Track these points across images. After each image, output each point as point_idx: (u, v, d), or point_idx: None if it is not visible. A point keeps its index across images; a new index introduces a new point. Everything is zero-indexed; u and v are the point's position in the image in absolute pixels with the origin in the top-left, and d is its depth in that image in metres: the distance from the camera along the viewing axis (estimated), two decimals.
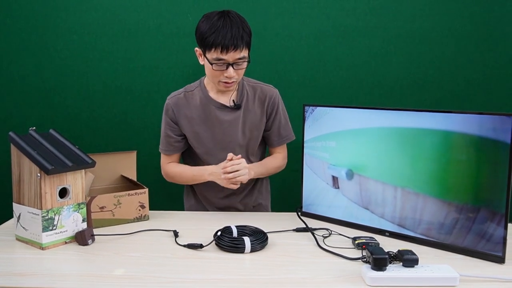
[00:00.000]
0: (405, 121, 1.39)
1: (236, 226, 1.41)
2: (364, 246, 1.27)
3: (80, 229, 1.37)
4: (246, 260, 1.27)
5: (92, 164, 1.39)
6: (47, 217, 1.31)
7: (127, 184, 1.70)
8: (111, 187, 1.68)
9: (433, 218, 1.35)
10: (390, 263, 1.16)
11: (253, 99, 1.69)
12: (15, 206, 1.39)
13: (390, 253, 1.17)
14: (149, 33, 2.09)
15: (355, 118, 1.49)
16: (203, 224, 1.56)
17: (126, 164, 1.70)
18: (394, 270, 1.12)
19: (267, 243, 1.35)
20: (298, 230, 1.50)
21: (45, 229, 1.31)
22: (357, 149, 1.49)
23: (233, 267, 1.21)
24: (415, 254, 1.15)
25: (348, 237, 1.42)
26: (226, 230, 1.39)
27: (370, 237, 1.38)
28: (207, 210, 1.79)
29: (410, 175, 1.38)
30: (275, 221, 1.60)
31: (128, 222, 1.54)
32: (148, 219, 1.59)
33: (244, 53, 1.54)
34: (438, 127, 1.33)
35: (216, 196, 1.75)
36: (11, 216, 1.48)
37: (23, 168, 1.35)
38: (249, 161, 1.74)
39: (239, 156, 1.55)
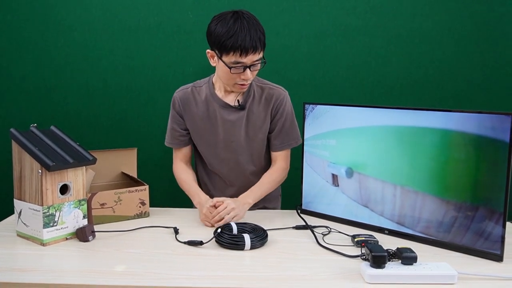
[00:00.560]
0: (405, 119, 1.39)
1: (236, 223, 1.42)
2: (363, 244, 1.28)
3: (81, 226, 1.38)
4: (246, 257, 1.27)
5: (93, 160, 1.40)
6: (48, 214, 1.32)
7: (128, 181, 1.70)
8: (111, 184, 1.68)
9: (432, 216, 1.36)
10: (389, 260, 1.16)
11: (259, 100, 1.66)
12: (16, 202, 1.39)
13: (389, 251, 1.18)
14: (150, 31, 2.09)
15: (355, 117, 1.50)
16: None
17: (127, 161, 1.70)
18: (393, 268, 1.13)
19: (267, 240, 1.36)
20: (297, 227, 1.50)
21: (46, 225, 1.32)
22: (357, 147, 1.50)
23: (233, 264, 1.22)
24: (413, 252, 1.16)
25: (348, 235, 1.42)
26: (226, 227, 1.40)
27: (369, 235, 1.39)
28: None
29: (410, 173, 1.39)
30: (275, 218, 1.60)
31: (129, 219, 1.55)
32: (148, 216, 1.59)
33: (261, 54, 1.52)
34: (437, 125, 1.33)
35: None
36: (12, 212, 1.48)
37: (24, 165, 1.35)
38: (254, 166, 1.72)
39: (223, 200, 1.50)
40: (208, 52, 1.56)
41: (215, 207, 1.50)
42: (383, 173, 1.44)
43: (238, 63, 1.48)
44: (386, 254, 1.13)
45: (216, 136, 1.68)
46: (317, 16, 2.08)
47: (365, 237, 1.36)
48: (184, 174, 1.71)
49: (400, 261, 1.16)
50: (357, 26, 2.08)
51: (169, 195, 2.14)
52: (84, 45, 2.11)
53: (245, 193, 1.60)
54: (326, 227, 1.50)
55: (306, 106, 1.62)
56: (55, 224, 1.34)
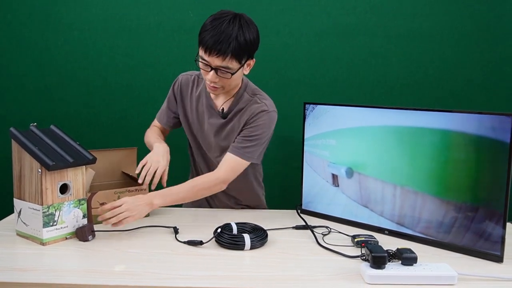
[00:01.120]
0: (405, 119, 1.39)
1: (236, 223, 1.42)
2: (363, 244, 1.28)
3: (81, 225, 1.37)
4: (246, 257, 1.27)
5: (93, 160, 1.40)
6: (47, 213, 1.32)
7: (128, 181, 1.70)
8: (111, 183, 1.68)
9: (432, 216, 1.36)
10: (389, 261, 1.16)
11: (243, 112, 1.58)
12: (16, 201, 1.39)
13: (389, 251, 1.18)
14: (150, 30, 2.09)
15: (355, 117, 1.50)
16: (203, 221, 1.57)
17: (127, 160, 1.70)
18: (393, 268, 1.13)
19: (266, 240, 1.36)
20: (297, 227, 1.50)
21: (45, 224, 1.32)
22: (357, 148, 1.50)
23: (233, 264, 1.22)
24: (414, 253, 1.16)
25: (348, 235, 1.42)
26: (226, 227, 1.40)
27: (370, 235, 1.39)
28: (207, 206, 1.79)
29: (410, 173, 1.39)
30: (275, 218, 1.60)
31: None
32: (148, 215, 1.59)
33: (230, 63, 1.42)
34: (437, 126, 1.33)
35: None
36: (12, 212, 1.48)
37: (24, 164, 1.35)
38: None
39: (122, 199, 1.40)
40: None
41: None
42: (383, 173, 1.44)
43: (203, 58, 1.45)
44: (386, 254, 1.13)
45: (200, 133, 1.67)
46: (317, 16, 2.08)
47: (365, 238, 1.36)
48: (156, 129, 1.74)
49: (400, 261, 1.16)
50: (357, 25, 2.08)
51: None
52: (84, 44, 2.11)
53: (157, 192, 1.46)
54: (326, 227, 1.50)
55: (306, 106, 1.62)
56: (55, 223, 1.34)
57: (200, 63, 1.47)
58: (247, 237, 1.31)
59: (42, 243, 1.32)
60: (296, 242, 1.39)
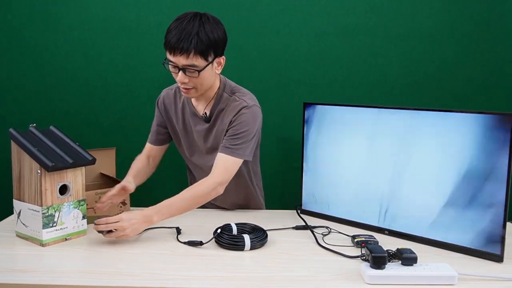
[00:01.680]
0: (405, 120, 1.39)
1: (236, 224, 1.42)
2: (363, 244, 1.28)
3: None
4: (246, 257, 1.27)
5: (92, 161, 1.40)
6: (47, 214, 1.32)
7: (107, 182, 1.69)
8: (90, 185, 1.67)
9: (432, 216, 1.36)
10: (389, 261, 1.16)
11: (225, 112, 1.56)
12: (16, 202, 1.39)
13: (389, 252, 1.18)
14: (150, 30, 2.09)
15: (355, 117, 1.49)
16: (203, 221, 1.57)
17: (105, 161, 1.70)
18: (393, 269, 1.12)
19: (266, 240, 1.36)
20: (297, 228, 1.50)
21: (45, 225, 1.32)
22: (356, 147, 1.49)
23: (233, 264, 1.22)
24: (414, 253, 1.16)
25: (348, 235, 1.42)
26: (226, 227, 1.40)
27: (370, 235, 1.39)
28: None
29: (410, 173, 1.39)
30: (275, 218, 1.60)
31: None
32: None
33: (195, 61, 1.40)
34: (437, 126, 1.33)
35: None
36: (11, 213, 1.48)
37: (24, 165, 1.35)
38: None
39: (118, 216, 1.34)
40: None
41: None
42: (383, 173, 1.44)
43: (170, 60, 1.44)
44: (386, 254, 1.13)
45: (188, 142, 1.67)
46: (317, 16, 2.07)
47: (365, 238, 1.36)
48: (138, 162, 1.68)
49: (400, 261, 1.16)
50: (357, 25, 2.08)
51: (170, 196, 2.13)
52: (84, 44, 2.10)
53: (154, 207, 1.40)
54: (326, 227, 1.50)
55: (306, 106, 1.61)
56: (55, 224, 1.34)
57: (169, 66, 1.46)
58: (247, 237, 1.31)
59: (42, 244, 1.32)
60: (296, 242, 1.39)
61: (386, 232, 1.45)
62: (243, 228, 1.41)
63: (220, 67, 1.51)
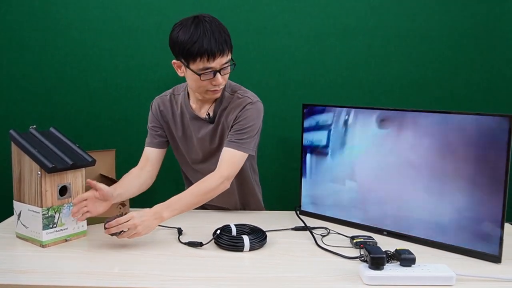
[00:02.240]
0: (404, 121, 1.39)
1: (235, 225, 1.42)
2: (362, 245, 1.28)
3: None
4: (245, 258, 1.28)
5: (92, 162, 1.40)
6: (47, 215, 1.32)
7: (106, 183, 1.69)
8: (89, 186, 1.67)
9: (430, 217, 1.36)
10: (388, 262, 1.17)
11: (229, 110, 1.57)
12: (16, 204, 1.40)
13: (387, 252, 1.18)
14: (150, 31, 2.09)
15: (354, 118, 1.50)
16: (202, 222, 1.57)
17: (105, 162, 1.70)
18: (392, 269, 1.13)
19: (266, 241, 1.36)
20: (296, 228, 1.51)
21: (45, 227, 1.32)
22: (355, 148, 1.50)
23: (232, 265, 1.22)
24: (412, 254, 1.16)
25: (346, 236, 1.43)
26: (225, 228, 1.40)
27: (368, 236, 1.39)
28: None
29: (408, 174, 1.39)
30: (274, 219, 1.60)
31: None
32: None
33: (229, 56, 1.46)
34: (436, 127, 1.34)
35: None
36: (12, 214, 1.49)
37: (24, 166, 1.35)
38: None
39: (128, 214, 1.33)
40: (174, 63, 1.51)
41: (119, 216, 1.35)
42: (382, 174, 1.44)
43: (207, 68, 1.42)
44: (384, 255, 1.13)
45: (189, 148, 1.66)
46: (317, 16, 2.08)
47: (363, 239, 1.36)
48: (128, 175, 1.60)
49: (398, 262, 1.16)
50: (357, 26, 2.08)
51: (170, 196, 2.14)
52: (83, 45, 2.11)
53: (163, 204, 1.40)
54: (325, 228, 1.50)
55: (305, 107, 1.62)
56: (55, 225, 1.34)
57: (202, 76, 1.43)
58: (246, 238, 1.32)
59: (42, 245, 1.32)
60: (295, 243, 1.39)
61: (385, 233, 1.45)
62: (242, 229, 1.41)
63: None
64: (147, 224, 1.33)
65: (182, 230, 1.45)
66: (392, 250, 1.21)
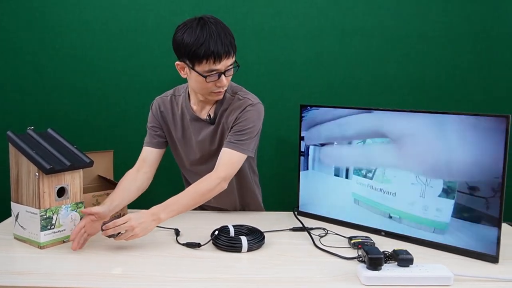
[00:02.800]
0: (402, 121, 1.40)
1: (233, 226, 1.42)
2: (359, 246, 1.28)
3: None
4: (243, 259, 1.28)
5: (90, 163, 1.40)
6: (45, 216, 1.32)
7: (104, 184, 1.70)
8: (88, 187, 1.67)
9: (428, 217, 1.36)
10: (385, 262, 1.17)
11: (229, 111, 1.57)
12: (13, 205, 1.39)
13: (385, 253, 1.18)
14: (148, 32, 2.09)
15: (352, 119, 1.50)
16: (200, 223, 1.57)
17: (103, 164, 1.69)
18: (389, 270, 1.13)
19: (264, 242, 1.36)
20: (294, 229, 1.51)
21: (43, 228, 1.32)
22: (354, 149, 1.50)
23: (230, 266, 1.22)
24: (410, 254, 1.16)
25: (344, 237, 1.43)
26: (223, 229, 1.40)
27: (366, 237, 1.39)
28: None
29: (406, 175, 1.39)
30: (272, 220, 1.61)
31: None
32: None
33: (234, 58, 1.47)
34: (434, 128, 1.34)
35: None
36: (9, 215, 1.48)
37: (21, 168, 1.35)
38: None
39: (126, 216, 1.32)
40: (178, 64, 1.49)
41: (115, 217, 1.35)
42: (380, 174, 1.45)
43: (212, 71, 1.42)
44: (382, 256, 1.14)
45: (189, 149, 1.66)
46: (314, 17, 2.08)
47: (361, 239, 1.37)
48: (124, 179, 1.57)
49: (396, 263, 1.16)
50: (354, 27, 2.08)
51: (169, 197, 2.13)
52: (81, 46, 2.11)
53: (160, 205, 1.39)
54: (323, 228, 1.51)
55: (303, 108, 1.62)
56: (52, 227, 1.34)
57: (208, 78, 1.43)
58: (244, 239, 1.32)
59: (40, 246, 1.32)
60: (293, 244, 1.39)
61: (383, 233, 1.46)
62: (240, 230, 1.42)
63: None
64: (145, 225, 1.33)
65: (179, 231, 1.45)
66: (390, 250, 1.21)
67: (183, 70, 1.50)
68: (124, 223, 1.30)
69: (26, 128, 1.42)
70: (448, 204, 1.32)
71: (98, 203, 1.52)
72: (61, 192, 1.36)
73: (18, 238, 1.39)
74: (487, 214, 1.25)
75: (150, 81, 2.13)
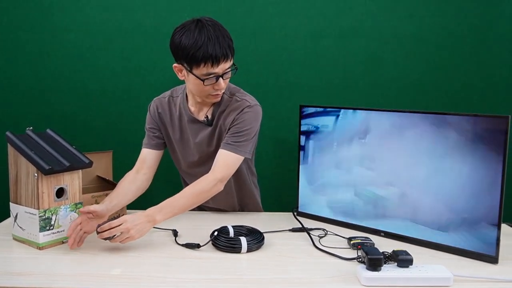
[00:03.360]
0: (401, 122, 1.40)
1: (233, 226, 1.42)
2: (359, 246, 1.28)
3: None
4: (243, 260, 1.28)
5: (89, 164, 1.40)
6: (44, 217, 1.32)
7: (103, 184, 1.69)
8: (87, 188, 1.67)
9: (427, 218, 1.36)
10: (385, 263, 1.17)
11: (227, 113, 1.56)
12: (12, 206, 1.39)
13: (385, 254, 1.18)
14: (146, 32, 2.09)
15: (351, 119, 1.50)
16: (200, 224, 1.57)
17: (102, 164, 1.69)
18: (389, 270, 1.13)
19: (263, 243, 1.36)
20: (294, 230, 1.51)
21: (42, 229, 1.32)
22: (353, 149, 1.50)
23: (230, 267, 1.22)
24: (409, 255, 1.16)
25: (344, 237, 1.43)
26: (223, 230, 1.40)
27: (366, 237, 1.39)
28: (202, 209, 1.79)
29: (405, 175, 1.39)
30: (272, 221, 1.60)
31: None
32: None
33: (232, 61, 1.45)
34: (433, 128, 1.34)
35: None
36: (8, 216, 1.48)
37: (20, 168, 1.35)
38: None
39: (121, 218, 1.32)
40: (175, 67, 1.48)
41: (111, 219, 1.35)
42: (379, 175, 1.45)
43: (210, 74, 1.41)
44: (382, 256, 1.13)
45: (187, 151, 1.65)
46: (313, 18, 2.08)
47: (361, 240, 1.37)
48: (123, 180, 1.57)
49: (396, 263, 1.16)
50: (353, 27, 2.09)
51: (167, 198, 2.13)
52: (80, 47, 2.11)
53: (156, 207, 1.38)
54: (323, 229, 1.51)
55: (302, 108, 1.62)
56: (52, 227, 1.34)
57: (206, 81, 1.42)
58: (243, 240, 1.32)
59: (39, 247, 1.32)
60: (293, 244, 1.39)
61: (382, 234, 1.46)
62: (240, 230, 1.41)
63: None
64: (140, 227, 1.32)
65: (177, 232, 1.45)
66: (390, 251, 1.21)
67: (181, 72, 1.49)
68: (119, 225, 1.29)
69: (25, 128, 1.42)
70: (448, 205, 1.32)
71: (97, 204, 1.52)
72: (60, 192, 1.36)
73: (17, 239, 1.39)
74: (486, 215, 1.25)
75: (149, 81, 2.13)
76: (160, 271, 1.19)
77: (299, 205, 1.67)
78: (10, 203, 1.40)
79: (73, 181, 1.38)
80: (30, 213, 1.33)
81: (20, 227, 1.37)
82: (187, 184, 1.75)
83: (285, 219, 1.62)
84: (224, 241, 1.32)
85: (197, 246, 1.34)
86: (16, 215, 1.38)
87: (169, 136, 1.66)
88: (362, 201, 1.49)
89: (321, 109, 1.58)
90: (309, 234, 1.45)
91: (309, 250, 1.35)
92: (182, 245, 1.35)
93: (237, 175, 1.62)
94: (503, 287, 1.12)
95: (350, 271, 1.19)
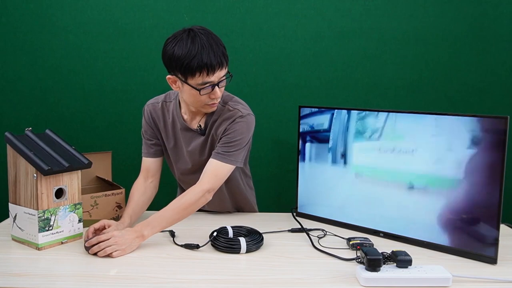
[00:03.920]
0: (400, 122, 1.40)
1: (232, 227, 1.42)
2: (358, 247, 1.28)
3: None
4: (242, 260, 1.28)
5: (88, 164, 1.40)
6: (43, 218, 1.32)
7: (103, 185, 1.69)
8: (86, 188, 1.67)
9: (426, 218, 1.36)
10: (384, 263, 1.17)
11: (220, 122, 1.53)
12: (11, 206, 1.39)
13: (384, 254, 1.19)
14: (145, 33, 2.09)
15: (350, 119, 1.50)
16: (199, 224, 1.57)
17: (101, 164, 1.69)
18: (388, 271, 1.13)
19: (262, 243, 1.36)
20: (293, 230, 1.51)
21: (41, 229, 1.31)
22: (352, 150, 1.50)
23: (229, 267, 1.22)
24: (408, 255, 1.16)
25: (343, 238, 1.43)
26: (222, 230, 1.40)
27: (365, 238, 1.39)
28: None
29: (405, 175, 1.40)
30: (271, 221, 1.60)
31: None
32: None
33: (227, 69, 1.43)
34: (432, 128, 1.34)
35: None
36: (7, 216, 1.48)
37: (20, 169, 1.35)
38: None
39: (110, 230, 1.35)
40: (169, 78, 1.44)
41: (99, 229, 1.38)
42: (378, 175, 1.45)
43: (206, 83, 1.38)
44: (381, 257, 1.14)
45: (180, 158, 1.64)
46: (312, 18, 2.09)
47: (360, 240, 1.36)
48: (135, 193, 1.58)
49: (395, 264, 1.16)
50: (352, 28, 2.09)
51: (164, 200, 2.13)
52: (79, 47, 2.11)
53: (144, 222, 1.37)
54: (322, 230, 1.51)
55: (301, 109, 1.62)
56: (51, 228, 1.34)
57: (202, 91, 1.39)
58: (242, 240, 1.32)
59: (38, 248, 1.32)
60: (292, 245, 1.39)
61: (381, 234, 1.46)
62: (239, 231, 1.41)
63: None
64: (128, 242, 1.31)
65: (174, 233, 1.45)
66: (389, 251, 1.21)
67: (175, 83, 1.45)
68: (108, 239, 1.29)
69: (24, 129, 1.42)
70: (447, 205, 1.32)
71: (96, 204, 1.52)
72: (59, 193, 1.36)
73: (16, 240, 1.39)
74: (485, 215, 1.25)
75: (148, 82, 2.13)
76: (159, 272, 1.19)
77: (298, 205, 1.67)
78: (9, 204, 1.39)
79: (72, 182, 1.38)
80: (29, 214, 1.32)
81: (19, 227, 1.37)
82: (182, 189, 1.75)
83: (284, 220, 1.62)
84: (223, 242, 1.32)
85: (197, 246, 1.34)
86: (15, 215, 1.38)
87: (164, 143, 1.65)
88: (362, 202, 1.49)
89: (320, 110, 1.58)
90: (308, 234, 1.45)
91: (308, 251, 1.35)
92: (182, 245, 1.35)
93: (230, 182, 1.60)
94: (502, 287, 1.13)
95: (349, 271, 1.19)
